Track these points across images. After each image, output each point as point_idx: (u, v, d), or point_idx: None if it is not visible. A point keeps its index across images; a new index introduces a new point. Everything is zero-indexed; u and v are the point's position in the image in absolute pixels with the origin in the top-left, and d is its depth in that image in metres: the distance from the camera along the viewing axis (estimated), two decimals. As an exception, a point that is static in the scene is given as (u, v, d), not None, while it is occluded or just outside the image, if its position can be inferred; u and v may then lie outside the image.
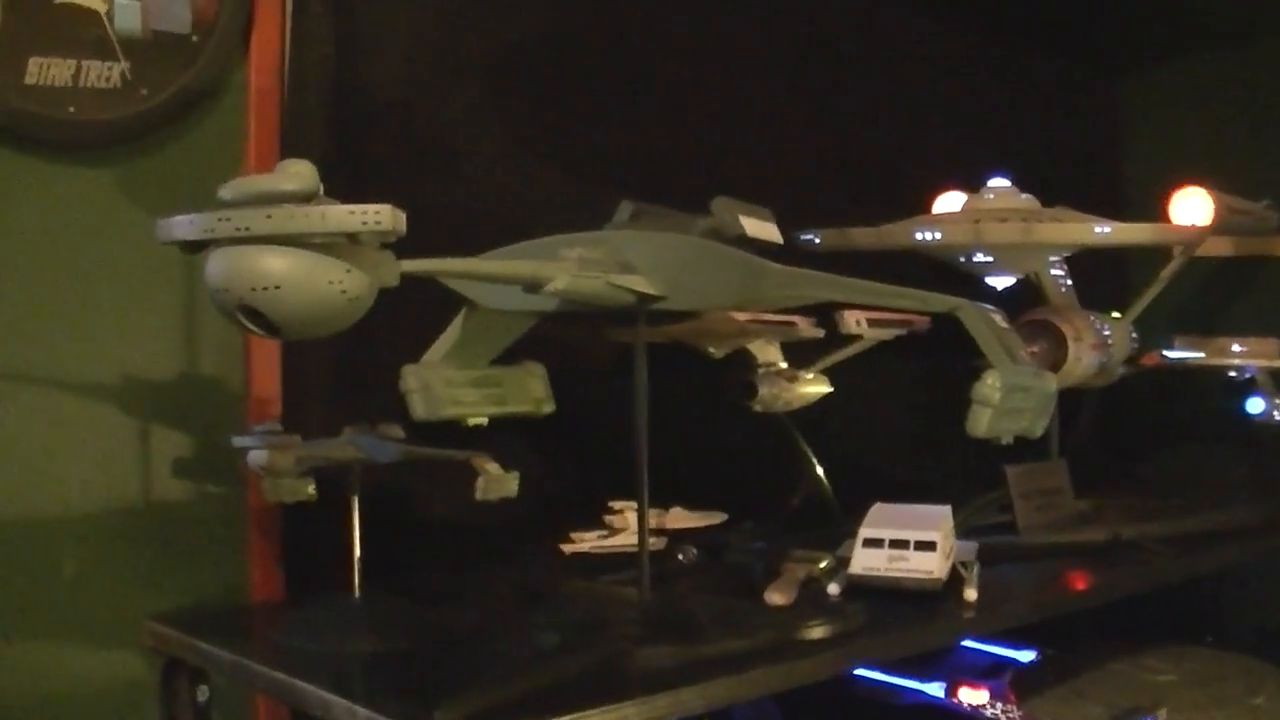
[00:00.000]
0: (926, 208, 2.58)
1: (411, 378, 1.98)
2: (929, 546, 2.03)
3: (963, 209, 2.36)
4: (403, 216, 1.51)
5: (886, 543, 2.05)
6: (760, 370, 2.33)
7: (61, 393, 2.00)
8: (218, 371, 2.12)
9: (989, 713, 2.48)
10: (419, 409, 1.97)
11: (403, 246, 2.26)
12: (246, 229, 1.45)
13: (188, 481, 2.10)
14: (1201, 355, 2.75)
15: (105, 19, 1.97)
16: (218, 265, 1.49)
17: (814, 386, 2.39)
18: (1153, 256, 2.67)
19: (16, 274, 1.97)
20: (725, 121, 2.68)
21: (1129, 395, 2.79)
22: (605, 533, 2.30)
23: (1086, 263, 2.61)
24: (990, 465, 2.43)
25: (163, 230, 1.51)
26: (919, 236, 2.13)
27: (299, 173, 1.48)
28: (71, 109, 1.96)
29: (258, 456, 1.88)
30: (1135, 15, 3.15)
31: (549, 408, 2.12)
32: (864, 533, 2.07)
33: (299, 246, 1.46)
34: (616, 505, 2.32)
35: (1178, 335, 2.79)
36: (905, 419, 2.90)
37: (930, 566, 2.02)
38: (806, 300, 2.08)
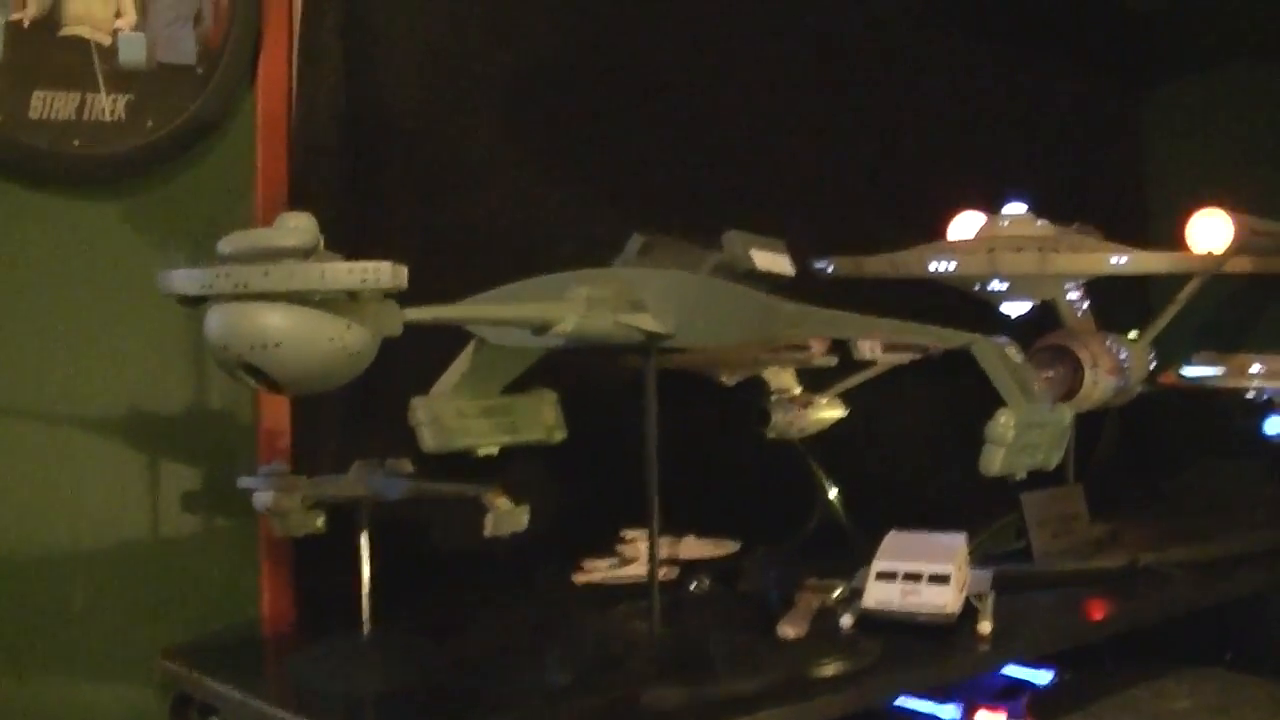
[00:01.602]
0: (943, 228, 2.55)
1: (421, 410, 1.98)
2: (942, 580, 2.01)
3: (978, 236, 2.33)
4: (404, 271, 1.49)
5: (900, 576, 2.03)
6: (774, 397, 2.31)
7: (69, 427, 1.99)
8: (227, 404, 2.10)
9: (1006, 733, 2.47)
10: (429, 441, 1.97)
11: (417, 270, 2.26)
12: (244, 286, 1.43)
13: (198, 513, 2.08)
14: (1220, 372, 2.71)
15: (109, 52, 1.95)
16: (217, 322, 1.47)
17: (828, 411, 2.37)
18: (1172, 274, 2.63)
19: (24, 309, 1.96)
20: (741, 141, 2.66)
21: (1148, 414, 2.76)
22: (617, 561, 2.29)
23: (1105, 281, 2.57)
24: (1007, 487, 2.40)
25: (163, 283, 1.50)
26: (933, 267, 2.10)
27: (298, 227, 1.47)
28: (76, 143, 1.94)
29: (264, 498, 1.87)
30: (1158, 31, 3.12)
31: (561, 435, 2.11)
32: (877, 565, 2.05)
33: (299, 303, 1.45)
34: (628, 535, 2.30)
35: (1195, 352, 2.76)
36: (921, 441, 2.87)
37: (943, 601, 2.00)
38: (819, 335, 2.06)
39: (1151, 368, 2.59)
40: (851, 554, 2.35)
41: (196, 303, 1.50)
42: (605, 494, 2.33)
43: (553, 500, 2.24)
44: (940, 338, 1.87)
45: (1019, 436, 1.86)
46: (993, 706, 2.47)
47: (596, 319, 1.77)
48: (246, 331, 1.45)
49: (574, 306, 1.76)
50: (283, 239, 1.46)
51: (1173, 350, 2.74)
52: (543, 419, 2.11)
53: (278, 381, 1.49)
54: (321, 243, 1.50)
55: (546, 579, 2.29)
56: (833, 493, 2.50)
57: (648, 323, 1.81)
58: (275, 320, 1.45)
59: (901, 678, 1.91)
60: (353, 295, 1.47)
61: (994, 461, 1.84)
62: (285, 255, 1.45)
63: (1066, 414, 1.96)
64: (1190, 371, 2.74)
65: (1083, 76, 3.29)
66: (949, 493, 2.65)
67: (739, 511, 2.44)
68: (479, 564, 2.23)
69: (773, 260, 1.96)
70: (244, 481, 1.92)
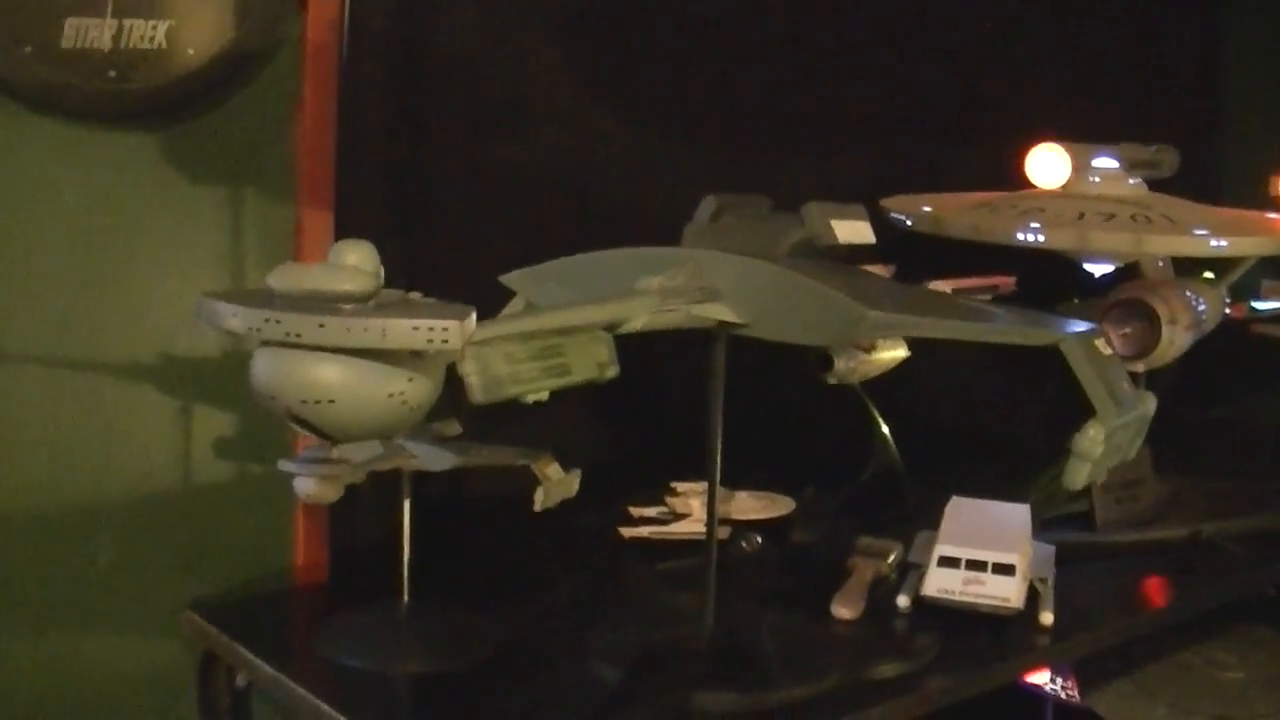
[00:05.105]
0: (1018, 156, 2.41)
1: (470, 360, 1.85)
2: (1008, 570, 1.93)
3: (1064, 191, 2.20)
4: (472, 321, 1.37)
5: (963, 563, 1.95)
6: (836, 342, 2.20)
7: (99, 374, 1.88)
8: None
9: (1049, 689, 2.41)
10: (478, 394, 1.84)
11: (471, 208, 2.14)
12: (297, 336, 1.31)
13: (230, 462, 1.99)
14: (1291, 303, 2.60)
15: (149, -28, 1.80)
16: (265, 369, 1.35)
17: (891, 352, 2.25)
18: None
19: (55, 251, 1.84)
20: (810, 73, 2.51)
21: (1214, 348, 2.65)
22: (666, 511, 2.20)
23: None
24: (1070, 422, 2.32)
25: (205, 312, 1.37)
26: (1020, 238, 1.97)
27: (357, 269, 1.34)
28: (112, 73, 1.79)
29: (306, 486, 1.76)
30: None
31: (613, 371, 1.98)
32: (940, 550, 1.96)
33: (357, 353, 1.33)
34: (679, 488, 2.21)
35: (1264, 279, 2.63)
36: (981, 381, 2.77)
37: (1007, 593, 1.93)
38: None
39: (1226, 312, 2.47)
40: (906, 501, 2.30)
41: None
42: (654, 433, 2.26)
43: (599, 439, 2.16)
44: (1029, 337, 1.75)
45: (1107, 446, 1.75)
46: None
47: (669, 314, 1.66)
48: (298, 385, 1.33)
49: (645, 303, 1.64)
50: (339, 283, 1.33)
51: (1242, 279, 2.61)
52: (596, 356, 1.99)
53: (328, 435, 1.38)
54: (382, 278, 1.37)
55: (590, 523, 2.20)
56: (884, 428, 2.41)
57: (723, 313, 1.70)
58: (330, 374, 1.33)
59: (959, 683, 1.83)
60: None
61: (1080, 476, 1.72)
62: (342, 301, 1.32)
63: (1151, 402, 1.84)
64: (1261, 304, 2.63)
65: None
66: (1009, 434, 2.58)
67: (793, 457, 2.37)
68: (520, 501, 2.16)
69: (854, 230, 1.84)
70: (284, 465, 1.81)
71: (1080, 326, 1.76)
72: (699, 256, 1.74)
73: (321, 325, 1.30)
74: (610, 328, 1.63)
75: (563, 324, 1.64)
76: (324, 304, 1.32)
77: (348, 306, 1.33)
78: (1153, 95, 3.04)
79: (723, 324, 1.72)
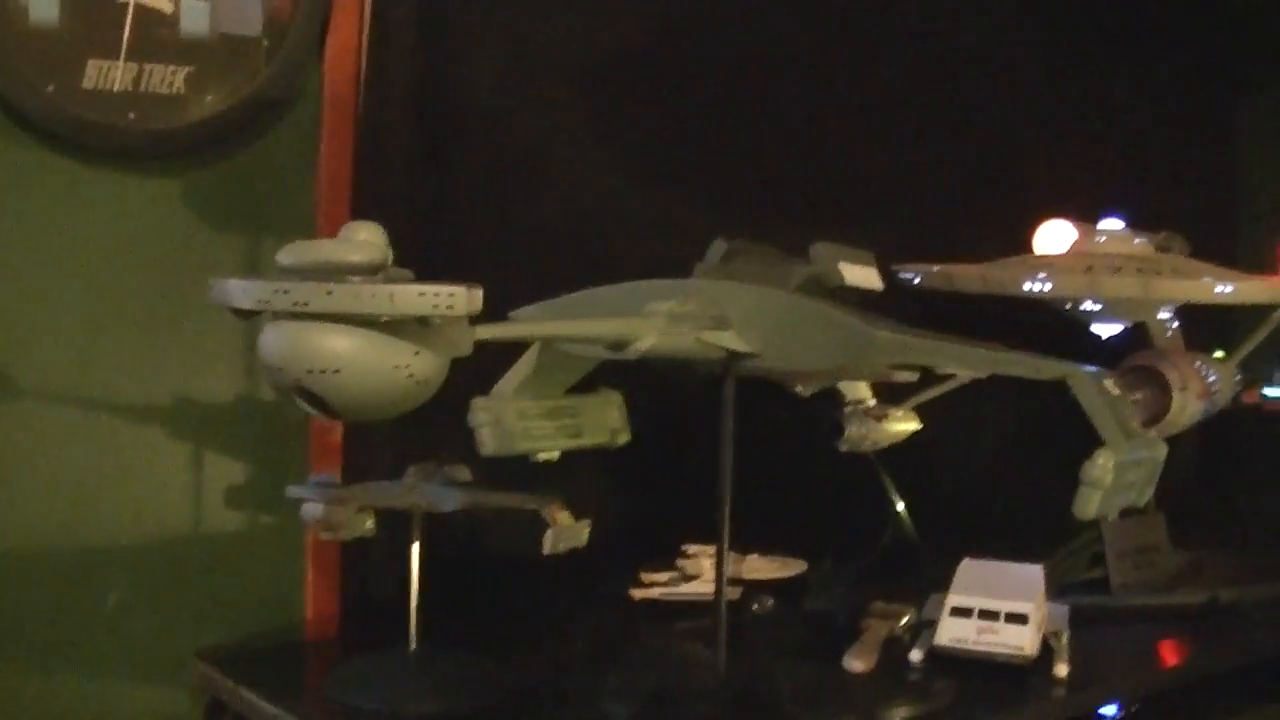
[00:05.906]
0: (1028, 234, 2.43)
1: (482, 412, 1.86)
2: (1021, 620, 1.92)
3: (1072, 251, 2.22)
4: (479, 295, 1.39)
5: (975, 613, 1.94)
6: (848, 409, 2.20)
7: (115, 416, 1.89)
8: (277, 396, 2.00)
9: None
10: (489, 445, 1.85)
11: (490, 261, 2.16)
12: (305, 304, 1.33)
13: (242, 511, 1.99)
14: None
15: (171, 20, 1.84)
16: (273, 341, 1.37)
17: (903, 424, 2.26)
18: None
19: (72, 290, 1.86)
20: (825, 141, 2.55)
21: (1226, 432, 2.65)
22: (677, 576, 2.19)
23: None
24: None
25: (217, 292, 1.40)
26: (1028, 286, 1.99)
27: (367, 242, 1.37)
28: (132, 116, 1.84)
29: (313, 511, 1.77)
30: (1256, 30, 2.98)
31: (625, 438, 2.00)
32: (952, 600, 1.95)
33: (363, 325, 1.35)
34: (690, 550, 2.20)
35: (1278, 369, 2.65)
36: (995, 456, 2.77)
37: (1021, 641, 1.91)
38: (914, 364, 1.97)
39: (1237, 390, 2.48)
40: (920, 573, 2.27)
41: (251, 315, 1.39)
42: (667, 499, 2.25)
43: (612, 505, 2.15)
44: (1036, 369, 1.76)
45: (1117, 478, 1.75)
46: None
47: (677, 337, 1.67)
48: (304, 354, 1.35)
49: (654, 324, 1.66)
50: (349, 254, 1.35)
51: (1255, 366, 2.62)
52: (607, 421, 2.00)
53: (335, 409, 1.39)
54: (391, 257, 1.40)
55: (603, 589, 2.19)
56: (900, 505, 2.40)
57: (732, 341, 1.72)
58: (336, 343, 1.35)
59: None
60: (423, 320, 1.37)
61: (1090, 506, 1.73)
62: (351, 272, 1.34)
63: (1162, 449, 1.85)
64: (1273, 391, 2.64)
65: (1173, 78, 3.14)
66: (1023, 509, 2.56)
67: (807, 525, 2.35)
68: (532, 567, 2.15)
69: (862, 274, 1.87)
70: (293, 491, 1.82)
71: (1090, 367, 1.77)
72: (709, 287, 1.76)
73: (329, 292, 1.32)
74: (618, 346, 1.64)
75: (572, 334, 1.66)
76: (333, 274, 1.34)
77: (355, 278, 1.35)
78: (1166, 178, 3.07)
79: (732, 354, 1.73)
